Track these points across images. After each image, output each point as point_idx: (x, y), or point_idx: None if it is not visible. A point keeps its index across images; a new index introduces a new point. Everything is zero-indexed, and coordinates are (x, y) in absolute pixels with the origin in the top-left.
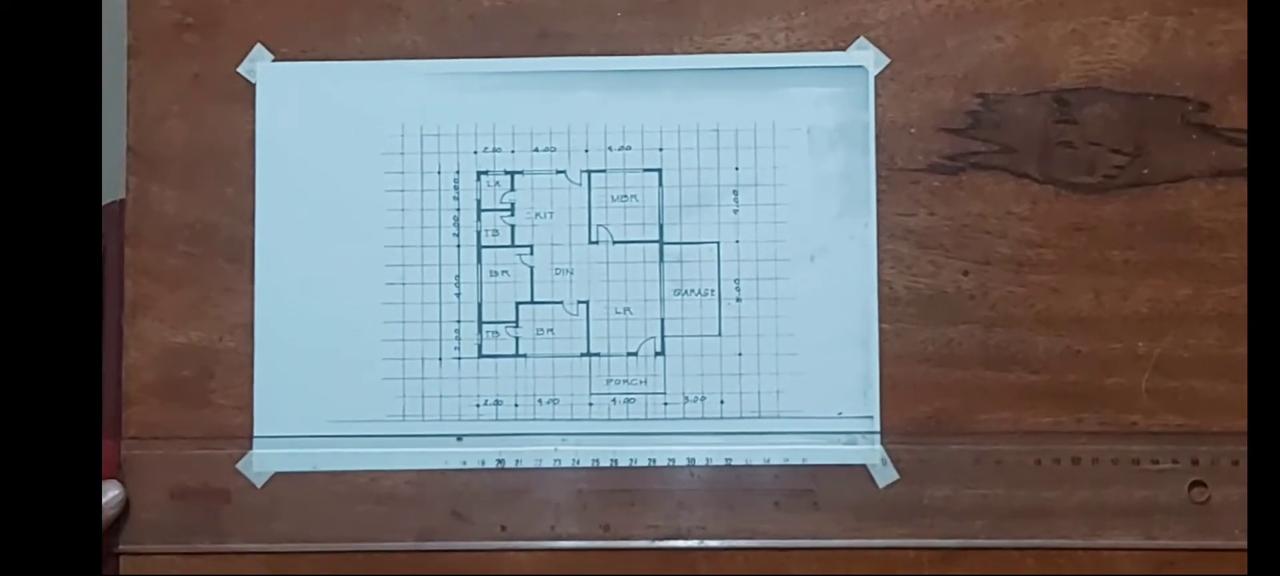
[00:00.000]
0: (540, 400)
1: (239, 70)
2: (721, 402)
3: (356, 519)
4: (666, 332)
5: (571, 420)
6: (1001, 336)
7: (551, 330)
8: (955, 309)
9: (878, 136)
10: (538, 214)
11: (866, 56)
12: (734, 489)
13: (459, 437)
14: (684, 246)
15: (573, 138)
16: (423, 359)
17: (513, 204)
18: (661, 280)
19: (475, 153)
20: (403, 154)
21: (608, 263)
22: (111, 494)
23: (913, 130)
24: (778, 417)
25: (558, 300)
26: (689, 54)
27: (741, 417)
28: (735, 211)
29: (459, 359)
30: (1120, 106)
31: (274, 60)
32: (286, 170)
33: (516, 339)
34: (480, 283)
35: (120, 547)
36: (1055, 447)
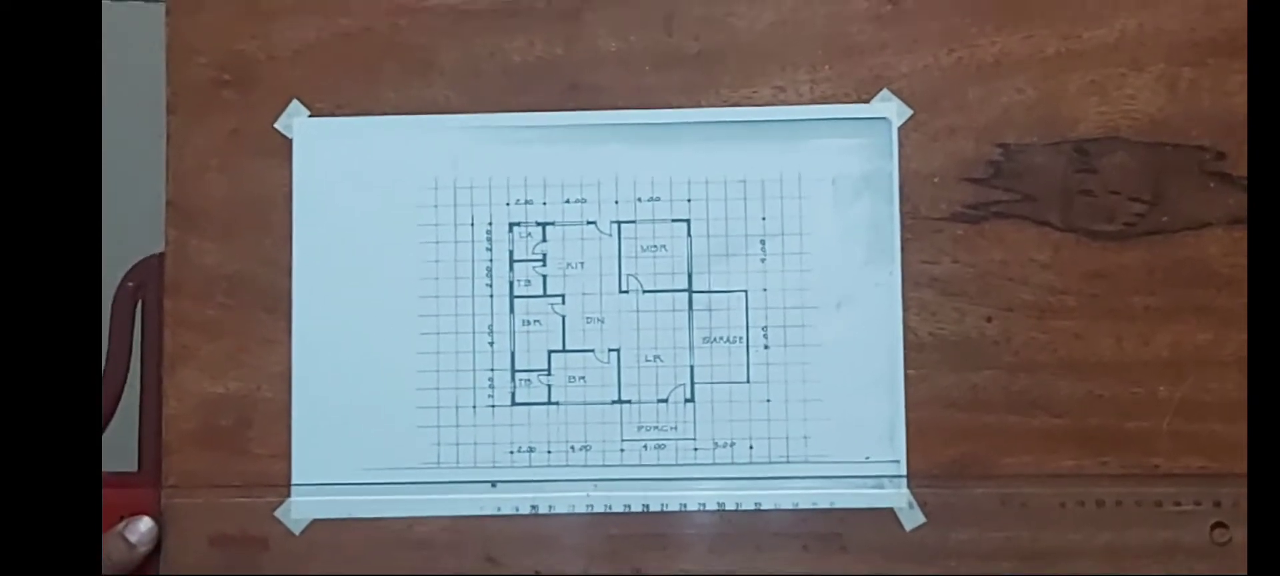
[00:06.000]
0: (572, 447)
1: (276, 125)
2: (750, 448)
3: (393, 565)
4: (696, 379)
5: (603, 466)
6: (1025, 381)
7: (583, 378)
8: (979, 354)
9: (902, 186)
10: (569, 264)
11: (890, 108)
12: (763, 533)
13: (493, 484)
14: (712, 295)
15: (603, 189)
16: (457, 407)
17: (544, 254)
18: (691, 328)
19: (507, 204)
20: (437, 206)
21: (638, 311)
22: (145, 526)
23: (936, 180)
24: (805, 462)
25: (589, 348)
26: (716, 106)
27: (770, 463)
28: (762, 260)
29: (493, 406)
30: (1139, 156)
31: (310, 115)
32: (323, 222)
33: (549, 387)
34: (513, 332)
35: None
36: (1078, 490)
